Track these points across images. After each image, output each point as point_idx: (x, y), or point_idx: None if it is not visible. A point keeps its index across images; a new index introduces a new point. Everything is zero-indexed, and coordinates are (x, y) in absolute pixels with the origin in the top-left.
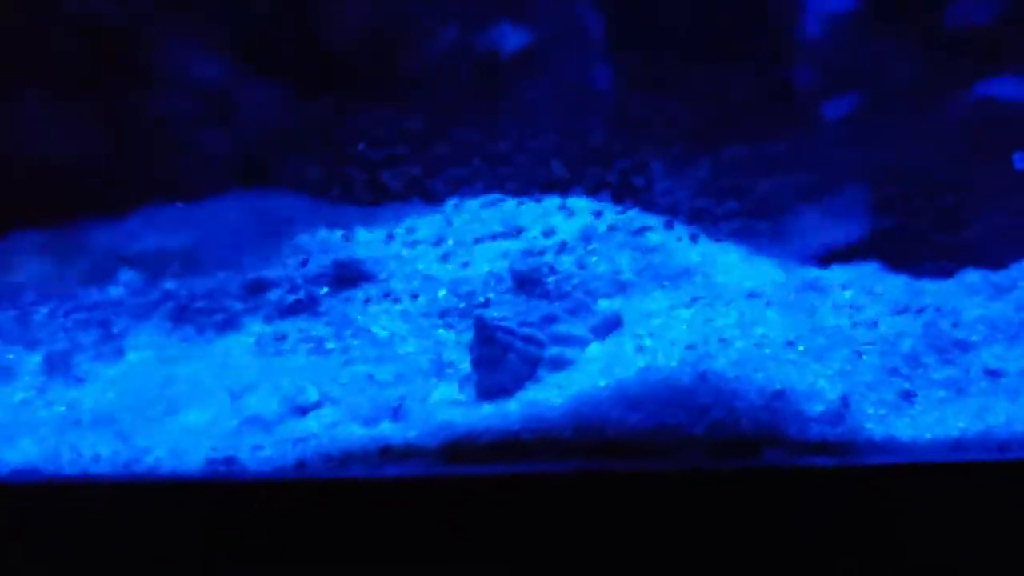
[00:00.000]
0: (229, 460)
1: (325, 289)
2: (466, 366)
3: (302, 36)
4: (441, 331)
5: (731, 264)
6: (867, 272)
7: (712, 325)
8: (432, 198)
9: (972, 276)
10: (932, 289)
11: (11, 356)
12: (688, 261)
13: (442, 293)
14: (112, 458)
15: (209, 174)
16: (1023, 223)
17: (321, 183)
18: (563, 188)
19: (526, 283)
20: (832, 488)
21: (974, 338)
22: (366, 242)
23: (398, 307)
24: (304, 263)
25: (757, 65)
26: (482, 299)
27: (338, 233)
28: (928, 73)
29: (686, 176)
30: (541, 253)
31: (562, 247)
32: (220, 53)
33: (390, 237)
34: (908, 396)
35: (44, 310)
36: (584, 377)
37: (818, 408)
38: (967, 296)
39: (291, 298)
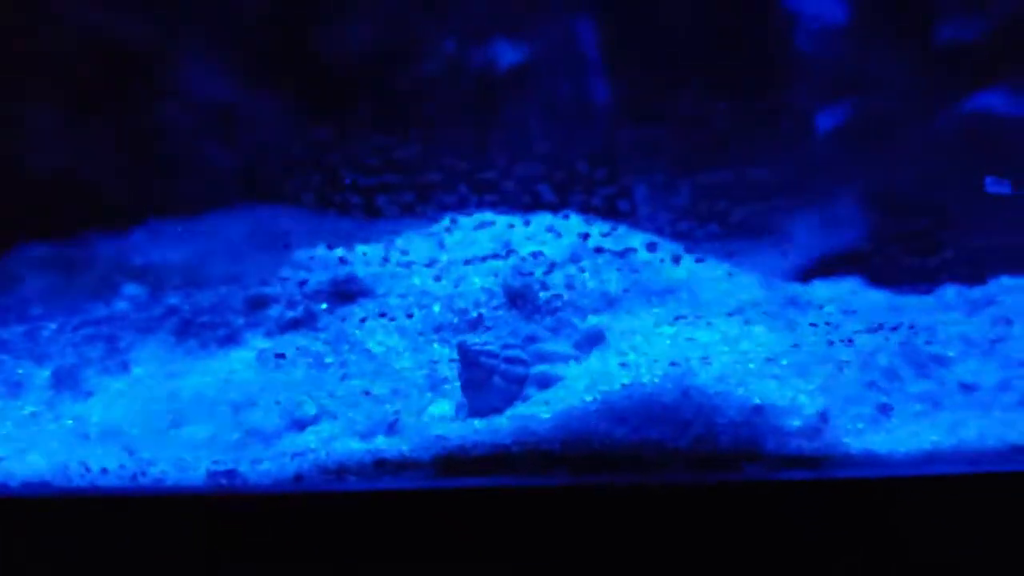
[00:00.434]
0: (230, 473)
1: (324, 305)
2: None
3: (305, 53)
4: (436, 346)
5: (714, 282)
6: (848, 288)
7: (694, 342)
8: (425, 214)
9: (950, 292)
10: (911, 305)
11: (20, 371)
12: (672, 280)
13: (437, 309)
14: (119, 471)
15: (212, 189)
16: (1004, 241)
17: (319, 201)
18: (551, 212)
19: (518, 299)
20: (809, 501)
21: (950, 353)
22: (363, 259)
23: (394, 323)
24: (303, 281)
25: (748, 84)
26: (475, 314)
27: (336, 251)
28: (919, 87)
29: (669, 200)
30: (531, 273)
31: (551, 267)
32: (224, 70)
33: (385, 260)
34: (885, 410)
35: (53, 325)
36: (571, 393)
37: (796, 423)
38: (944, 312)
39: (290, 314)
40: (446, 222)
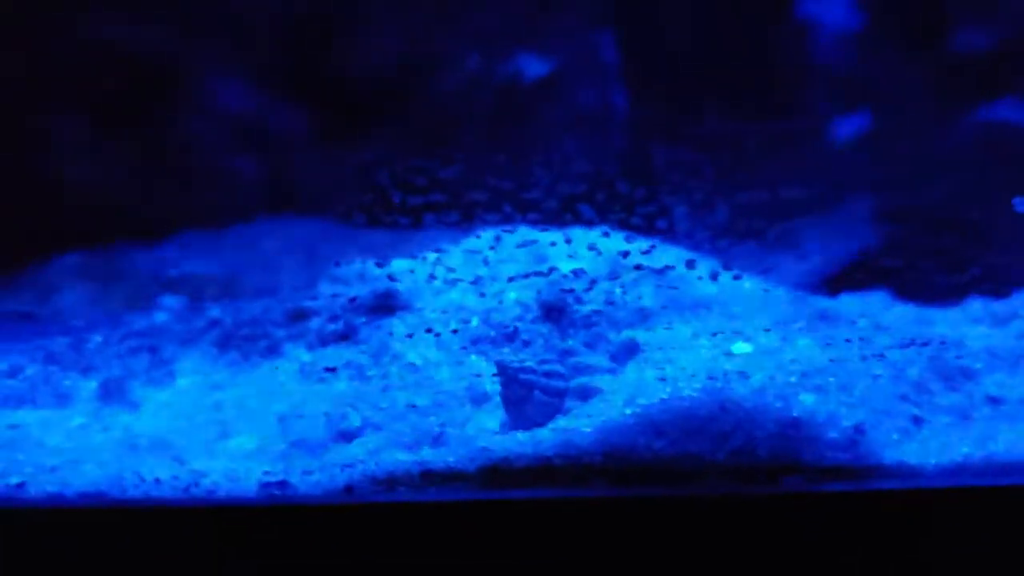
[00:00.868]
0: (282, 484)
1: (363, 318)
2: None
3: (331, 66)
4: (474, 358)
5: (749, 299)
6: (876, 301)
7: (732, 356)
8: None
9: (975, 305)
10: (938, 318)
11: (68, 382)
12: (709, 296)
13: (475, 322)
14: (172, 482)
15: (241, 200)
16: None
17: (350, 214)
18: (591, 229)
19: (553, 312)
20: (846, 512)
21: (977, 366)
22: (401, 271)
23: (433, 335)
24: (346, 295)
25: (767, 98)
26: (511, 328)
27: (384, 268)
28: (934, 95)
29: (706, 218)
30: (571, 291)
31: (590, 284)
32: (251, 82)
33: (432, 277)
34: (917, 422)
35: (97, 336)
36: (610, 407)
37: (832, 435)
38: (971, 325)
39: (331, 326)
40: (490, 239)
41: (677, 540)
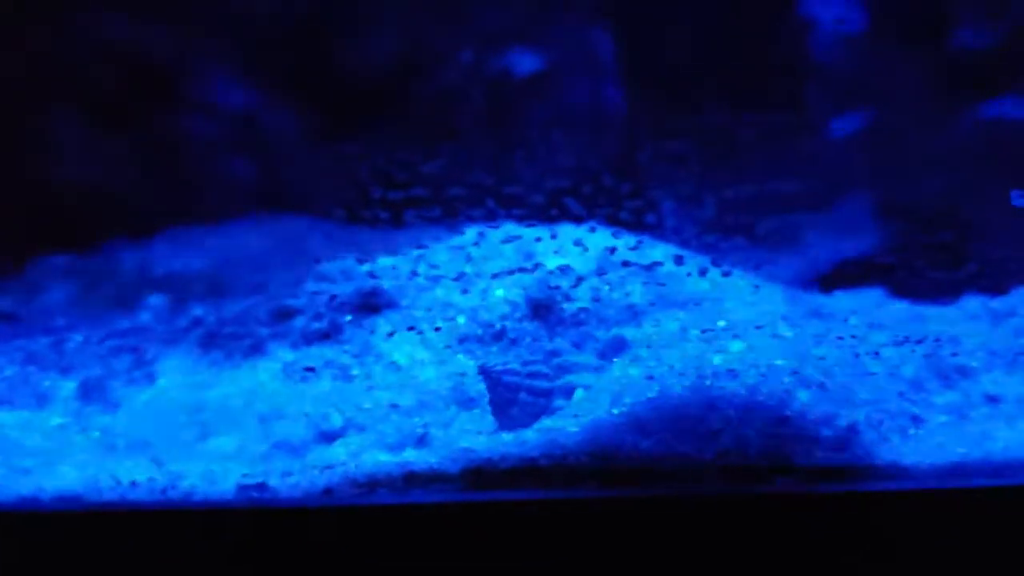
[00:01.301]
0: (261, 486)
1: (348, 317)
2: (484, 391)
3: (325, 63)
4: (461, 357)
5: (739, 295)
6: (871, 298)
7: (721, 354)
8: (451, 226)
9: (972, 303)
10: (935, 315)
11: (47, 383)
12: (698, 292)
13: (461, 320)
14: (148, 484)
15: (232, 198)
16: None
17: (340, 211)
18: (577, 224)
19: (539, 309)
20: (838, 512)
21: (974, 364)
22: (387, 270)
23: (418, 334)
24: (329, 293)
25: (766, 94)
26: (498, 326)
27: (364, 265)
28: (934, 93)
29: (694, 213)
30: (556, 287)
31: (577, 280)
32: (244, 80)
33: (414, 274)
34: (912, 421)
35: (78, 336)
36: (597, 405)
37: (825, 434)
38: (968, 323)
39: (315, 325)
40: (473, 236)
41: (664, 540)
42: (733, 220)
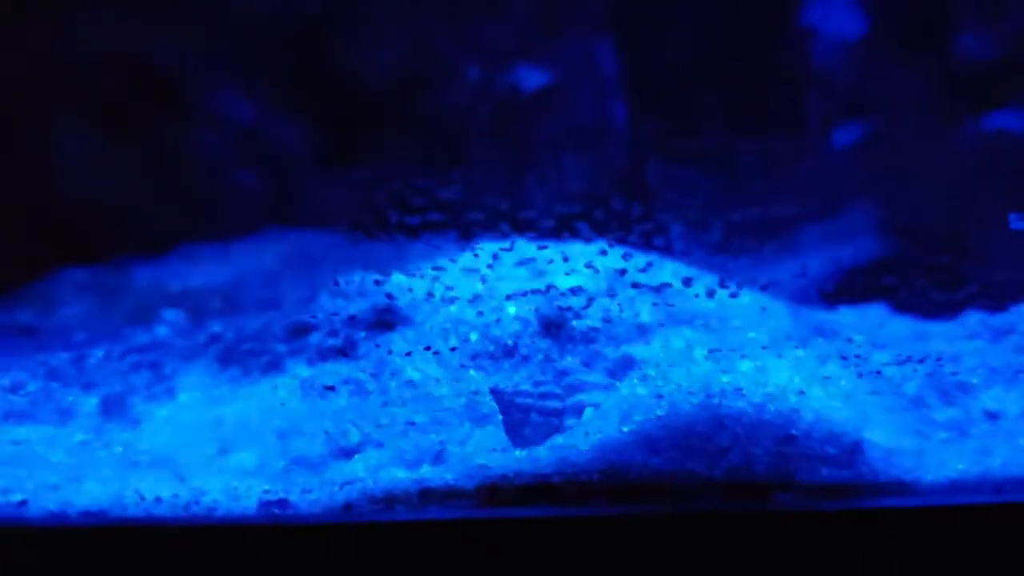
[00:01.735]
0: (282, 503)
1: (363, 333)
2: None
3: (335, 79)
4: (473, 372)
5: (746, 315)
6: (873, 315)
7: (729, 373)
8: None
9: (973, 319)
10: (936, 332)
11: (70, 398)
12: (706, 313)
13: (474, 337)
14: (172, 500)
15: (244, 212)
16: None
17: (352, 227)
18: (588, 246)
19: (551, 329)
20: (843, 530)
21: (975, 381)
22: (401, 287)
23: (432, 351)
24: (344, 310)
25: (770, 109)
26: (510, 343)
27: (382, 286)
28: (936, 103)
29: (702, 236)
30: (568, 308)
31: (588, 301)
32: (255, 94)
33: (430, 295)
34: (915, 438)
35: (99, 352)
36: (607, 424)
37: (830, 452)
38: (969, 340)
39: (331, 341)
40: (488, 258)
41: (674, 557)
42: (741, 240)
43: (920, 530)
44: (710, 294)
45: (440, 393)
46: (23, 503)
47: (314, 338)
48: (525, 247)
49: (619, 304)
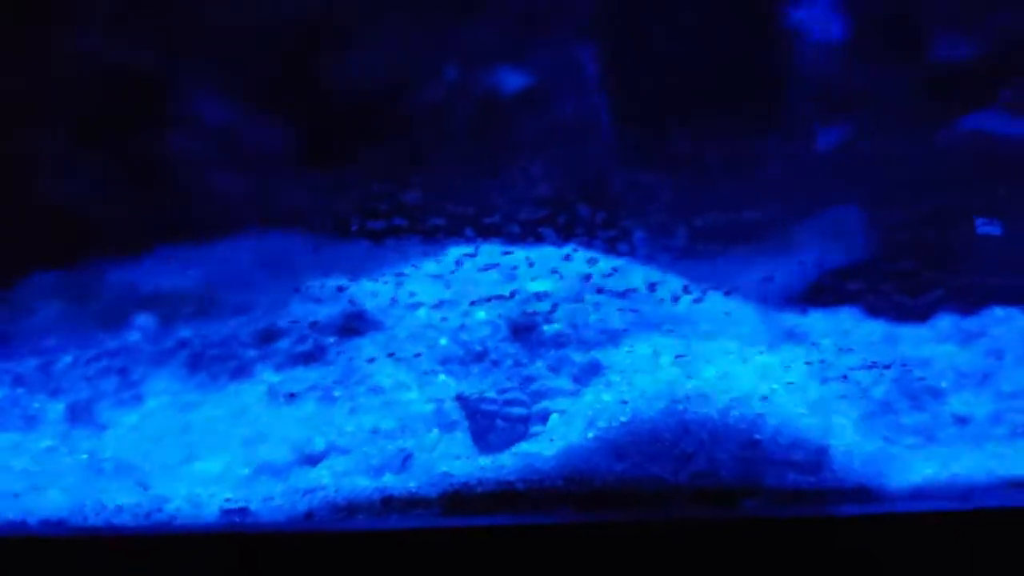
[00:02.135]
0: (243, 511)
1: (332, 338)
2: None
3: (309, 80)
4: (442, 377)
5: (713, 319)
6: (845, 318)
7: (694, 378)
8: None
9: (944, 322)
10: (907, 335)
11: (36, 405)
12: (672, 318)
13: (443, 342)
14: (134, 508)
15: (220, 215)
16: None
17: (327, 229)
18: (553, 251)
19: (521, 336)
20: (808, 536)
21: (944, 385)
22: (371, 292)
23: (405, 358)
24: (313, 314)
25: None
26: (479, 348)
27: (346, 290)
28: (917, 105)
29: (667, 240)
30: (533, 313)
31: (554, 306)
32: (229, 96)
33: (394, 300)
34: (883, 443)
35: (67, 358)
36: (572, 430)
37: (795, 457)
38: (939, 343)
39: (300, 347)
40: (451, 264)
41: (640, 564)
42: (708, 245)
43: (887, 536)
44: (674, 299)
45: (408, 399)
46: None
47: (283, 343)
48: (490, 251)
49: (585, 308)
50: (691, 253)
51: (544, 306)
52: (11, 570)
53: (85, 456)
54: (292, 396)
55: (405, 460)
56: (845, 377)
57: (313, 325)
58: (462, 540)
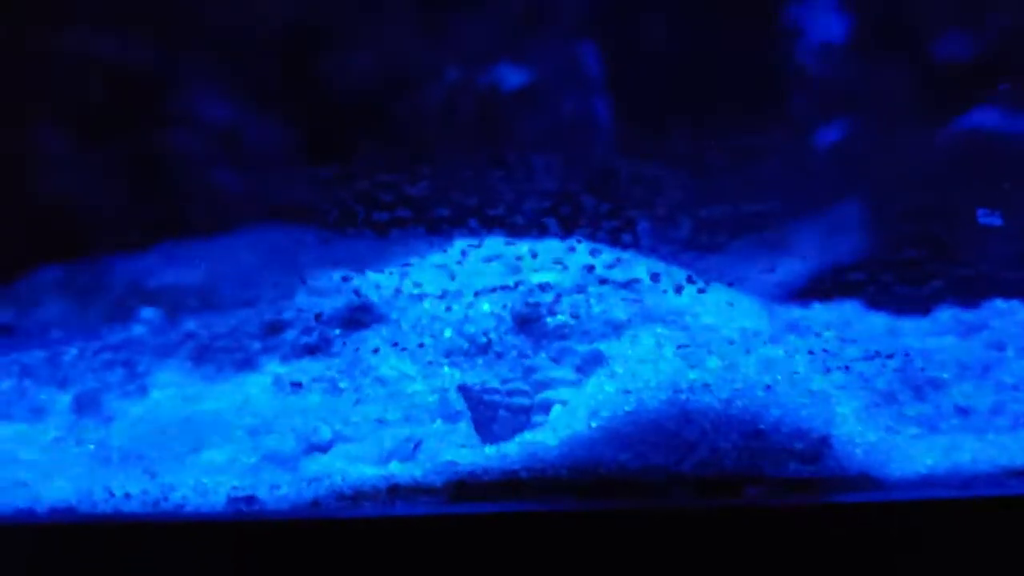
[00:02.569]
0: (250, 499)
1: (337, 330)
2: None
3: (310, 78)
4: (447, 369)
5: (716, 310)
6: (847, 311)
7: (697, 369)
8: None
9: (945, 315)
10: (909, 328)
11: (43, 396)
12: (674, 309)
13: (448, 334)
14: (142, 496)
15: (222, 211)
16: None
17: (330, 223)
18: (557, 243)
19: (526, 326)
20: (810, 524)
21: (945, 376)
22: (376, 284)
23: (407, 348)
24: (318, 306)
25: (749, 108)
26: (484, 340)
27: (351, 282)
28: (917, 103)
29: (671, 232)
30: (536, 304)
31: (557, 297)
32: (232, 94)
33: (398, 291)
34: (885, 434)
35: (73, 350)
36: (576, 420)
37: (798, 447)
38: (940, 335)
39: (305, 339)
40: (457, 254)
41: (643, 552)
42: (708, 239)
43: (888, 525)
44: (678, 290)
45: (413, 390)
46: None
47: (289, 335)
48: (494, 243)
49: (588, 299)
50: (694, 245)
51: (547, 297)
52: (21, 557)
53: (92, 446)
54: (297, 386)
55: (412, 449)
56: (847, 368)
57: (318, 317)
58: (467, 528)
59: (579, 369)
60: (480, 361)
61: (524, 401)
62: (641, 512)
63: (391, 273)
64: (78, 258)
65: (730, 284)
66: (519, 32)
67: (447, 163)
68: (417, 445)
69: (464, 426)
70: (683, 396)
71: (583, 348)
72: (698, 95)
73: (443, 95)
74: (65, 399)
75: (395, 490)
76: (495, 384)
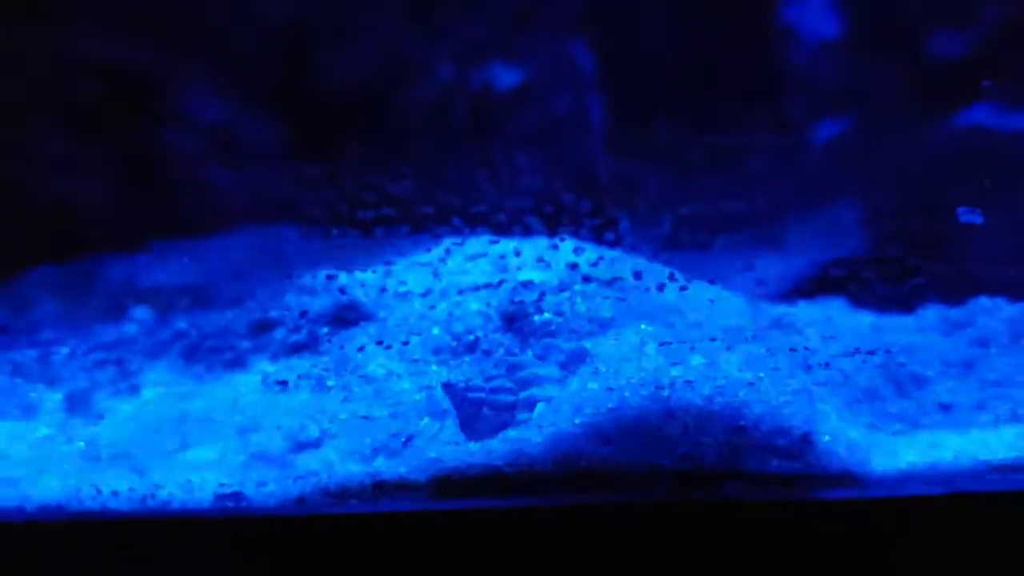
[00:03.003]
0: (236, 495)
1: (325, 329)
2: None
3: (303, 78)
4: (434, 367)
5: (699, 307)
6: (832, 309)
7: (679, 365)
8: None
9: (931, 313)
10: (893, 326)
11: (34, 394)
12: (657, 306)
13: (435, 331)
14: (129, 494)
15: (215, 210)
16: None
17: (321, 222)
18: (541, 241)
19: (512, 324)
20: (791, 520)
21: (929, 373)
22: (363, 283)
23: (394, 346)
24: (306, 305)
25: (743, 106)
26: (471, 338)
27: (337, 279)
28: (910, 101)
29: (653, 230)
30: (521, 302)
31: (541, 295)
32: (224, 94)
33: (383, 290)
34: (866, 430)
35: (65, 349)
36: (560, 416)
37: (779, 443)
38: (925, 333)
39: (294, 338)
40: (441, 252)
41: (625, 545)
42: (693, 236)
43: (870, 521)
44: (660, 287)
45: (400, 388)
46: None
47: (278, 334)
48: (478, 242)
49: (571, 296)
50: (678, 244)
51: (532, 295)
52: (9, 554)
53: (82, 444)
54: (283, 384)
55: (403, 443)
56: (828, 365)
57: (305, 315)
58: (451, 523)
59: (563, 366)
60: (466, 359)
61: (508, 398)
62: (623, 507)
63: (375, 271)
64: (71, 257)
65: (711, 281)
66: (512, 30)
67: (436, 161)
68: (408, 439)
69: (451, 423)
70: (666, 393)
71: (568, 345)
72: (691, 93)
73: (435, 93)
74: (56, 397)
75: (381, 487)
76: (479, 382)
